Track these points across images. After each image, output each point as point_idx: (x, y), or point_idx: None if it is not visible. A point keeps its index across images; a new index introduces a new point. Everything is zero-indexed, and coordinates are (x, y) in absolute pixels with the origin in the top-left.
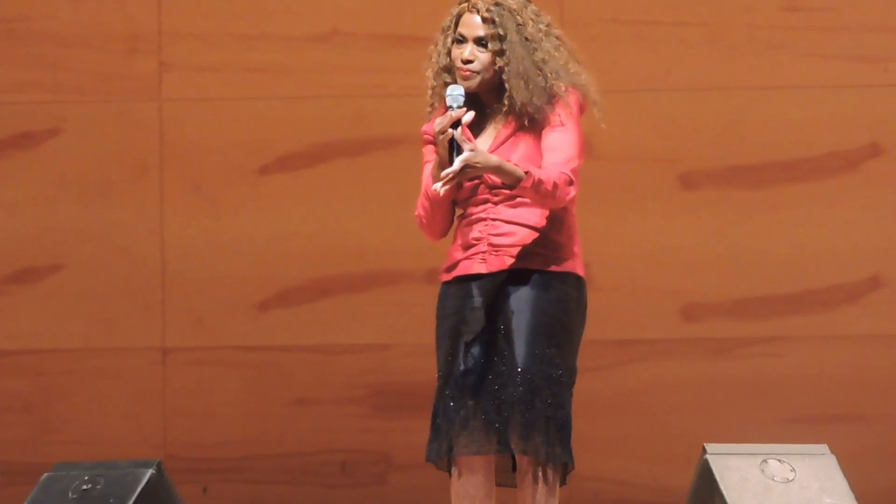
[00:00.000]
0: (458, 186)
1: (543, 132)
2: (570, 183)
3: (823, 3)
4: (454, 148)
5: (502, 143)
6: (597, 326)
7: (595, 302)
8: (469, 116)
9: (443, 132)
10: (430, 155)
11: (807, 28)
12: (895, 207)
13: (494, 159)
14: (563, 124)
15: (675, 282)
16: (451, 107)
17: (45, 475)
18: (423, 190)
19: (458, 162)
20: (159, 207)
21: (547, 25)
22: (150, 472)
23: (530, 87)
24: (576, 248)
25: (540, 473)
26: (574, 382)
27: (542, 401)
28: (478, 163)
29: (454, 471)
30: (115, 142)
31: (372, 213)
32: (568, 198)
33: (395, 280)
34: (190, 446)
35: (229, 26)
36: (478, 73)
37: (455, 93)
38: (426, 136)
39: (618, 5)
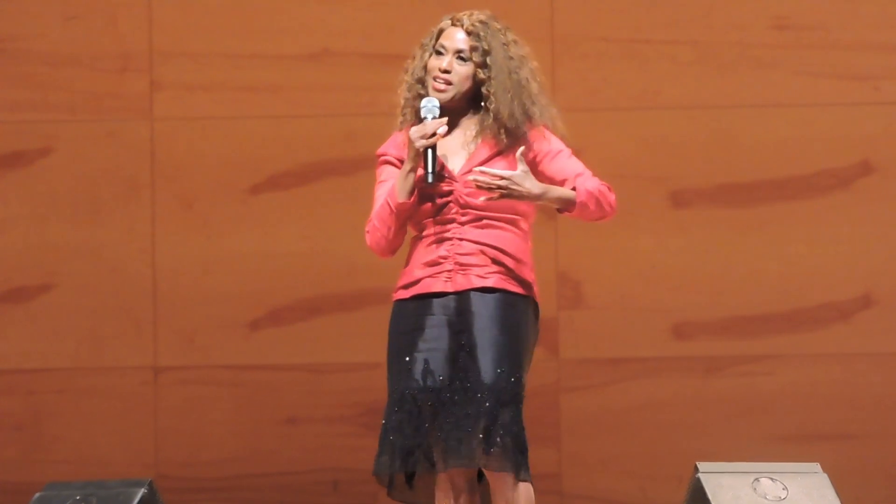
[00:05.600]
0: (424, 200)
1: (542, 161)
2: (610, 188)
3: (813, 21)
4: (433, 158)
5: (482, 163)
6: (588, 345)
7: (586, 320)
8: (444, 129)
9: (425, 137)
10: (385, 175)
11: (797, 46)
12: (886, 225)
13: (539, 187)
14: (561, 150)
15: (666, 300)
16: (425, 118)
17: (37, 495)
18: (382, 205)
19: (512, 174)
20: (150, 226)
21: (525, 55)
22: (141, 492)
23: (514, 101)
24: (534, 275)
25: (510, 489)
26: None
27: (506, 418)
28: (521, 187)
29: (437, 487)
30: (107, 161)
31: (362, 231)
32: (615, 202)
33: (386, 299)
34: (181, 465)
35: (220, 45)
36: (452, 84)
37: (430, 104)
38: (384, 157)
39: (608, 24)
